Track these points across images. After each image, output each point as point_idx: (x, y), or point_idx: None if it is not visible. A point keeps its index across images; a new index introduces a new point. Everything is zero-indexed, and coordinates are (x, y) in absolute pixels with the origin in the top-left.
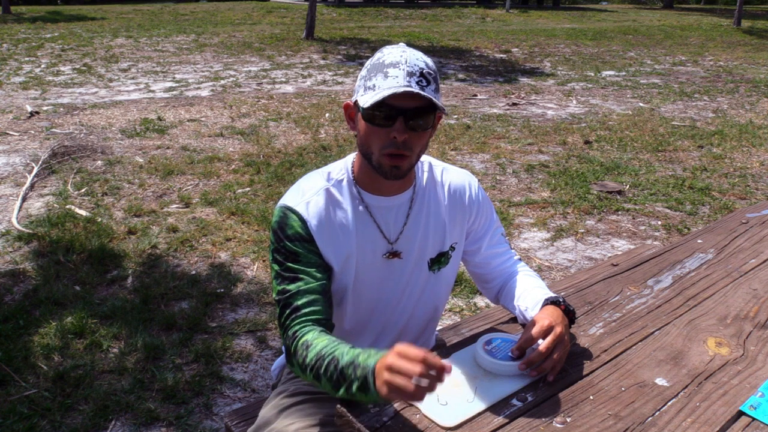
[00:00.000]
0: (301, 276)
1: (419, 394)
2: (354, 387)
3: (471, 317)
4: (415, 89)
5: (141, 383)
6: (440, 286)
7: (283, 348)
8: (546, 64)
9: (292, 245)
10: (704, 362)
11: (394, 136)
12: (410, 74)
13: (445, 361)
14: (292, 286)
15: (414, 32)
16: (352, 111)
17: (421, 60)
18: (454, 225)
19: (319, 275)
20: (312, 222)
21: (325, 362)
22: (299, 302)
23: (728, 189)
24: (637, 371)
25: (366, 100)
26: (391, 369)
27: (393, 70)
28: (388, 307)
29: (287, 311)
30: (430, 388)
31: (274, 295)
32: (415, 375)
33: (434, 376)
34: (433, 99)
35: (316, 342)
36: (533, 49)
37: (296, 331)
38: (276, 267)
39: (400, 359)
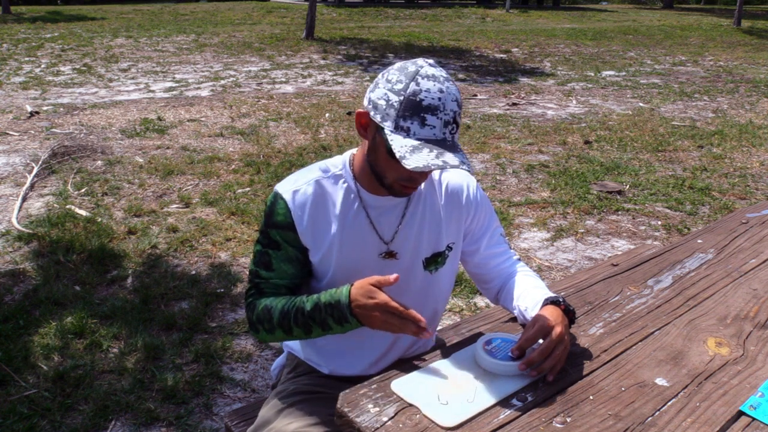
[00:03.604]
0: (275, 267)
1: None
2: (330, 322)
3: (471, 317)
4: (450, 145)
5: (141, 383)
6: (438, 287)
7: (247, 318)
8: (546, 64)
9: (276, 233)
10: (704, 362)
11: (415, 177)
12: (446, 123)
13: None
14: (264, 273)
15: (414, 32)
16: (365, 120)
17: (455, 100)
18: (450, 224)
19: (291, 271)
20: (297, 210)
21: (292, 315)
22: (266, 290)
23: (728, 189)
24: (637, 371)
25: (401, 147)
26: (385, 321)
27: (431, 118)
28: None
29: (254, 291)
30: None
31: (250, 266)
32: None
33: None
34: (467, 168)
35: (275, 304)
36: (533, 49)
37: (255, 303)
38: (258, 246)
39: (391, 316)
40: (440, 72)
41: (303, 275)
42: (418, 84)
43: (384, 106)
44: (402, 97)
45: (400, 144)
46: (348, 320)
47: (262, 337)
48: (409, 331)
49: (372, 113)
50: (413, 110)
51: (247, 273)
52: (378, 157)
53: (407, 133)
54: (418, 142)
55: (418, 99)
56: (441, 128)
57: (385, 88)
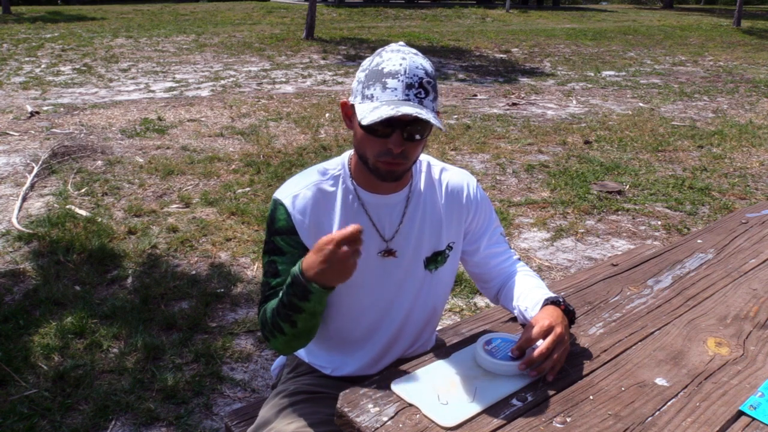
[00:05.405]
0: (282, 273)
1: (345, 260)
2: (297, 303)
3: (471, 317)
4: (414, 104)
5: (141, 383)
6: (438, 286)
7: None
8: (546, 64)
9: (280, 239)
10: (704, 362)
11: (390, 148)
12: (409, 86)
13: (353, 226)
14: (273, 282)
15: (414, 32)
16: (349, 110)
17: (420, 68)
18: (450, 224)
19: None
20: (297, 216)
21: (276, 309)
22: (274, 298)
23: (728, 189)
24: (637, 371)
25: (363, 112)
26: (315, 252)
27: (392, 81)
28: (383, 307)
29: (263, 301)
30: (353, 252)
31: (261, 282)
32: (332, 246)
33: (351, 241)
34: (431, 119)
35: (270, 303)
36: (533, 49)
37: (262, 310)
38: (265, 257)
39: (319, 248)
40: (407, 48)
41: None
42: (381, 56)
43: (355, 86)
44: (367, 71)
45: (363, 110)
46: (309, 289)
47: (274, 345)
48: (349, 251)
49: (350, 99)
50: (375, 78)
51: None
52: (357, 136)
53: (371, 99)
54: (380, 103)
55: (380, 68)
56: (403, 90)
57: (357, 73)
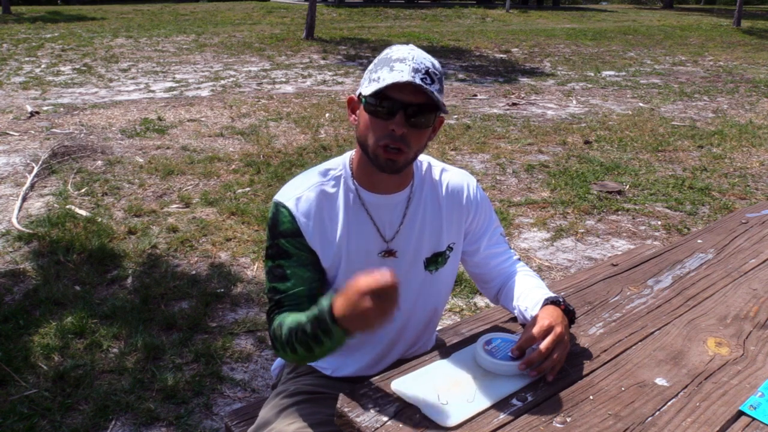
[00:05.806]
0: (290, 276)
1: (379, 315)
2: (321, 337)
3: (471, 317)
4: (418, 83)
5: (141, 383)
6: (438, 287)
7: (269, 337)
8: (546, 64)
9: (285, 242)
10: (704, 362)
11: (392, 129)
12: (416, 70)
13: (385, 274)
14: (281, 286)
15: (414, 32)
16: (355, 105)
17: (428, 59)
18: (451, 225)
19: (308, 275)
20: (301, 218)
21: (295, 332)
22: (286, 303)
23: (728, 189)
24: (637, 371)
25: (369, 89)
26: (347, 301)
27: (399, 64)
28: None
29: (273, 306)
30: (388, 307)
31: (265, 289)
32: (367, 303)
33: (386, 294)
34: (435, 95)
35: (287, 319)
36: (533, 49)
37: (273, 319)
38: (269, 263)
39: (351, 298)
40: (416, 47)
41: (320, 278)
42: (390, 49)
43: (363, 78)
44: (376, 61)
45: (369, 89)
46: (332, 330)
47: (283, 357)
48: (389, 307)
49: (356, 91)
50: (383, 63)
51: (265, 295)
52: (361, 123)
53: (377, 81)
54: (384, 81)
55: (388, 56)
56: (410, 72)
57: (366, 70)
